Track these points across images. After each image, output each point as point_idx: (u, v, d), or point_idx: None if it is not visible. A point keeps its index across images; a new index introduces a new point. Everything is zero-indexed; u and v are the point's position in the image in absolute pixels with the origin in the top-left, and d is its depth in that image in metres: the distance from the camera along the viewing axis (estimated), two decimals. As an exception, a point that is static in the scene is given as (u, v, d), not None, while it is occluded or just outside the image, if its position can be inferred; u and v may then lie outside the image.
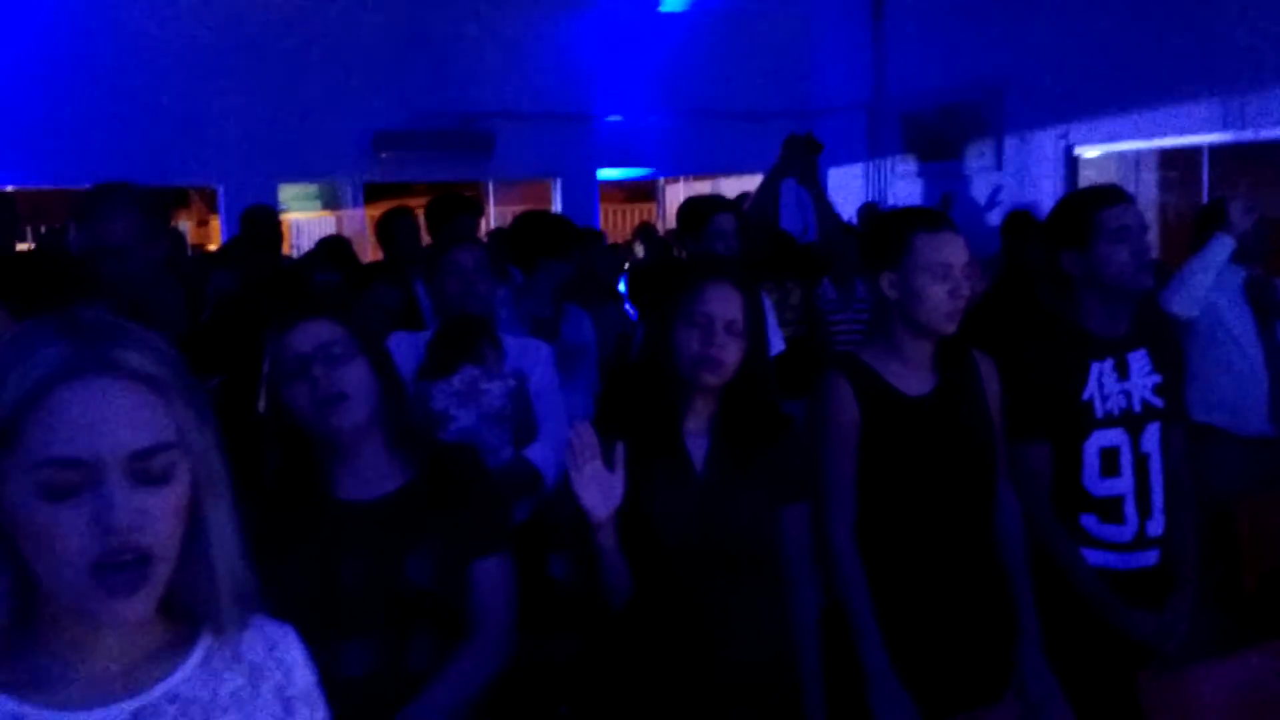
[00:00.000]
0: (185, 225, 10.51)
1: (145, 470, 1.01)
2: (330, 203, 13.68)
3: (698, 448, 2.17)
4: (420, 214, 5.69)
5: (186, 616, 1.14)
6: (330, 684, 1.78)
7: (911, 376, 2.41)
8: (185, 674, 1.12)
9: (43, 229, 9.91)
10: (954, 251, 2.36)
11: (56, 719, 1.04)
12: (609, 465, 2.01)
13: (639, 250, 9.95)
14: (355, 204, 9.11)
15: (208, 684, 1.13)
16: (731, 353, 2.12)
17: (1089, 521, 2.61)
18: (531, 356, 3.15)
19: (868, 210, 7.82)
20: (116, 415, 1.00)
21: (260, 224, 6.05)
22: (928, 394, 2.40)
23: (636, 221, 13.54)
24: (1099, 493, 2.60)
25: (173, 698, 1.10)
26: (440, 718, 1.91)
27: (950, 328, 2.37)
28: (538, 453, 3.06)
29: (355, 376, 1.94)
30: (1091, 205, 2.61)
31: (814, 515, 2.39)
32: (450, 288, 3.13)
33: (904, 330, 2.40)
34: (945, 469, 2.37)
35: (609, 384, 2.40)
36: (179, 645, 1.14)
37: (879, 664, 2.28)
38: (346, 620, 1.89)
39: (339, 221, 13.09)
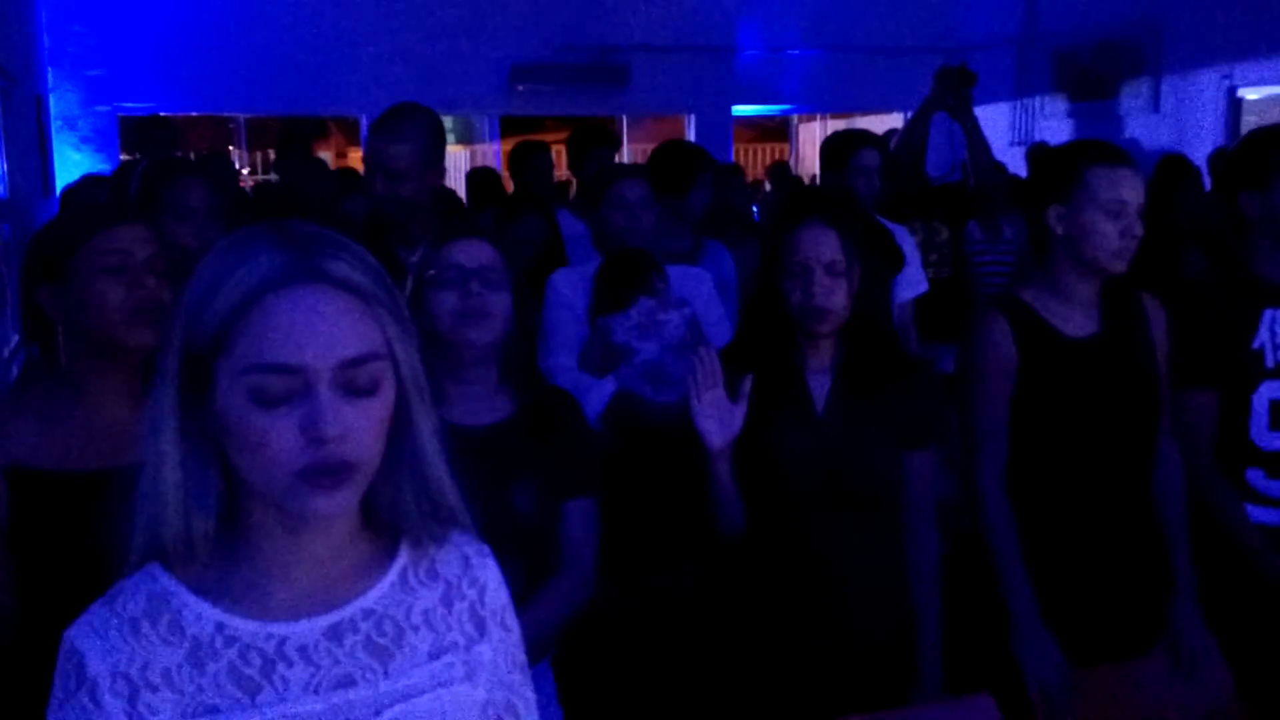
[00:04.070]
0: (326, 156, 10.77)
1: (352, 380, 1.01)
2: (464, 137, 13.84)
3: (820, 387, 2.16)
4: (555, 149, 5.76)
5: (388, 531, 1.14)
6: None
7: (1074, 317, 2.32)
8: (381, 590, 1.12)
9: (191, 155, 10.25)
10: (1130, 189, 2.25)
11: (258, 629, 1.05)
12: (733, 396, 2.00)
13: (769, 189, 9.82)
14: (491, 138, 9.19)
15: (402, 601, 1.13)
16: (837, 296, 2.09)
17: (1255, 477, 2.49)
18: (693, 284, 3.12)
19: (1039, 150, 7.51)
20: (327, 324, 1.01)
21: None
22: (1091, 336, 2.32)
23: (767, 160, 13.38)
24: (1267, 446, 2.48)
25: (368, 614, 1.10)
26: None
27: (1120, 267, 2.28)
28: None
29: (501, 302, 2.03)
30: (1277, 144, 2.48)
31: (963, 457, 2.34)
32: (616, 221, 3.10)
33: (1069, 269, 2.31)
34: (1106, 414, 2.28)
35: (742, 321, 2.39)
36: (379, 561, 1.14)
37: (1026, 610, 2.23)
38: None
39: (472, 155, 13.25)
